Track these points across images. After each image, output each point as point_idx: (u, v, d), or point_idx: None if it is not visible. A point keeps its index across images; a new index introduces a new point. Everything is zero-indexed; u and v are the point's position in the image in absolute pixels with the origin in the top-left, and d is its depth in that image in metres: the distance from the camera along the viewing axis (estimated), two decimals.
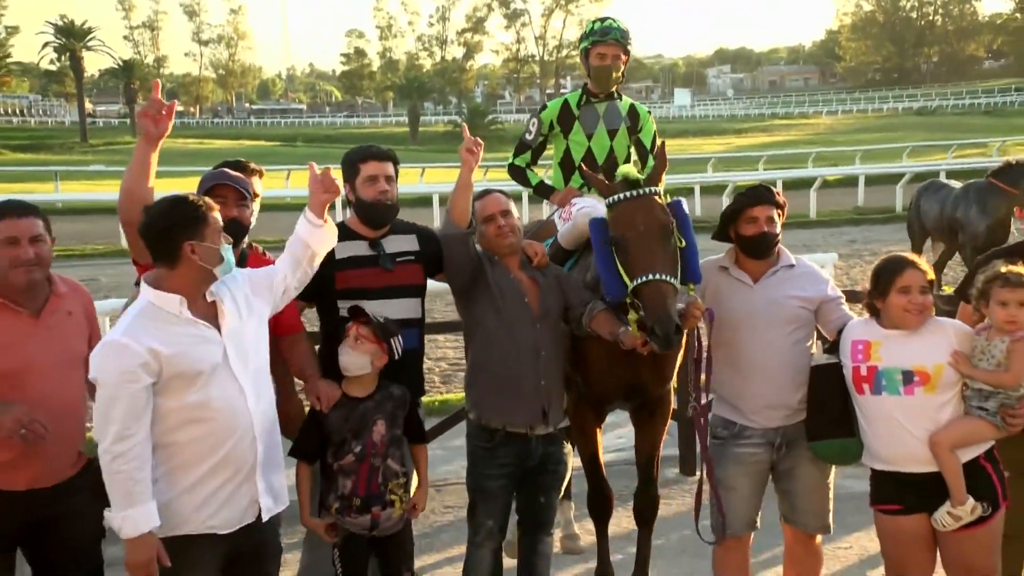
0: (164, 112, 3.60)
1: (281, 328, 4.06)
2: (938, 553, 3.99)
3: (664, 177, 4.34)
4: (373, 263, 4.30)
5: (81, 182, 31.38)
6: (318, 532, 4.02)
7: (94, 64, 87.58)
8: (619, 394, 4.70)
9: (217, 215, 3.45)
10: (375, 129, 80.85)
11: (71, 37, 74.41)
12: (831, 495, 4.34)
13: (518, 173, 5.52)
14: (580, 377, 4.67)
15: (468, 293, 4.37)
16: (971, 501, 3.75)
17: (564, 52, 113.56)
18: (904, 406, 3.82)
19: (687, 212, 4.30)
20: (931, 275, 3.90)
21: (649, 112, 5.44)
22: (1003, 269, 3.85)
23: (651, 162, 5.16)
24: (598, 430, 4.80)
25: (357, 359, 3.96)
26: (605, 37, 5.18)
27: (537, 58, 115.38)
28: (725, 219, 4.30)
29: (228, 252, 3.48)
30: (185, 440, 3.35)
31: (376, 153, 4.38)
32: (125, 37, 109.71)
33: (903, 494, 3.89)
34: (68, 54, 75.54)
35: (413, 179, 29.39)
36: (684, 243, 4.17)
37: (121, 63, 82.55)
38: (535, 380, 4.30)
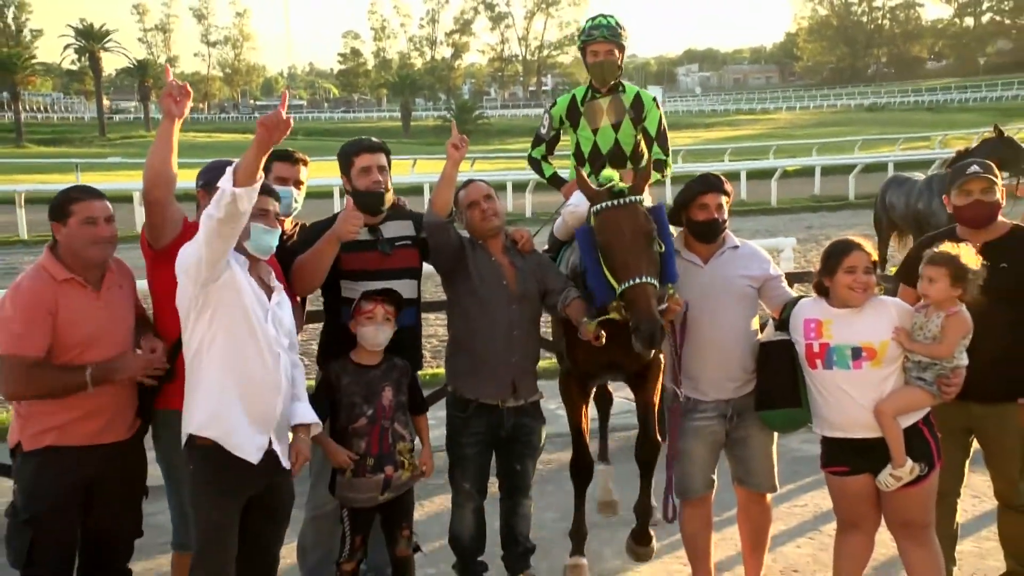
0: (182, 91, 3.56)
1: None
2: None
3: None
4: (372, 247, 4.28)
5: (100, 173, 31.21)
6: (331, 452, 3.98)
7: (111, 64, 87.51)
8: (603, 371, 4.69)
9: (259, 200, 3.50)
10: (370, 124, 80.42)
11: (90, 39, 74.18)
12: (775, 459, 4.41)
13: (534, 164, 5.50)
14: (568, 355, 4.67)
15: (450, 275, 4.39)
16: (910, 463, 3.82)
17: (545, 52, 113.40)
18: (852, 379, 3.87)
19: (666, 218, 4.27)
20: (875, 257, 3.92)
21: (655, 99, 5.27)
22: (940, 250, 3.89)
23: (656, 149, 5.13)
24: (584, 403, 4.77)
25: (381, 334, 4.03)
26: (594, 35, 5.11)
27: (520, 57, 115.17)
28: (678, 205, 4.32)
29: (258, 232, 3.59)
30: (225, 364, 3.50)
31: (368, 146, 4.36)
32: (139, 39, 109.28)
33: (850, 457, 3.95)
34: (87, 55, 75.36)
35: (405, 170, 29.30)
36: (663, 248, 4.15)
37: (136, 63, 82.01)
38: (507, 357, 4.33)
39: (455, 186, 4.28)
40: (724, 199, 4.27)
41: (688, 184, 4.36)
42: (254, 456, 3.53)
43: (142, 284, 3.96)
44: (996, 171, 4.18)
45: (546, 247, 5.01)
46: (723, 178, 4.37)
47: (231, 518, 3.55)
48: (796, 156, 33.96)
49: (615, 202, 4.12)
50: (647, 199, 4.28)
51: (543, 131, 5.42)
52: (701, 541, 4.44)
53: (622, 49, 5.17)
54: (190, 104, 3.60)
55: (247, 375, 3.52)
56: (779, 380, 4.07)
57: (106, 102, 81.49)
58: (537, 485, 4.73)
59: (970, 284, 3.78)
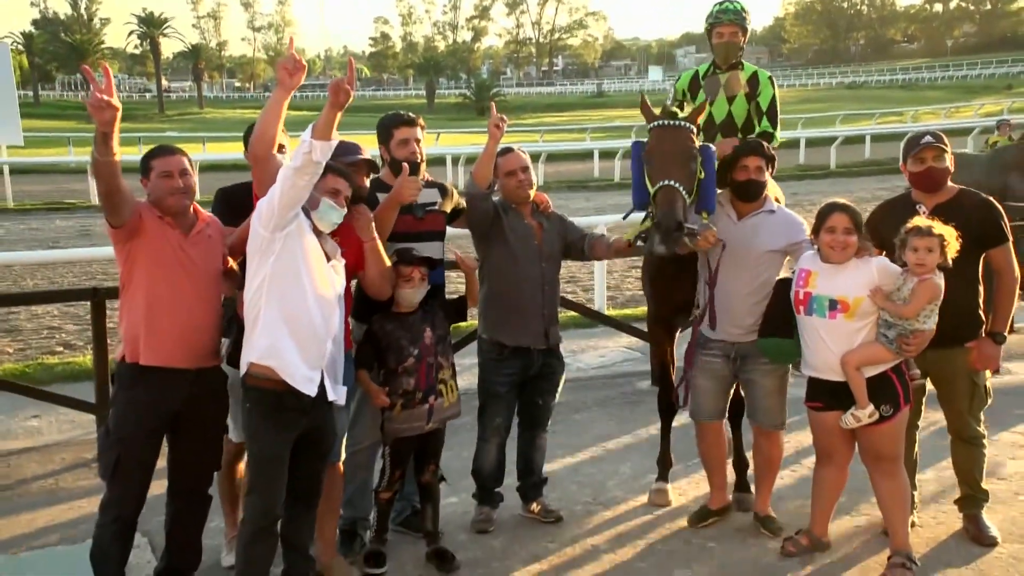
0: (296, 65, 3.48)
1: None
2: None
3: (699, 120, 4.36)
4: (407, 211, 4.23)
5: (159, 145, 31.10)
6: (374, 393, 4.04)
7: (169, 48, 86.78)
8: (675, 313, 4.76)
9: (334, 179, 3.64)
10: (398, 100, 79.97)
11: (151, 26, 74.38)
12: (784, 400, 4.43)
13: None
14: (647, 298, 4.84)
15: (487, 237, 4.43)
16: (871, 408, 3.89)
17: (556, 35, 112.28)
18: (828, 327, 3.92)
19: (713, 155, 4.28)
20: (857, 218, 3.92)
21: (770, 77, 5.20)
22: (917, 221, 3.88)
23: (765, 122, 5.08)
24: (669, 342, 4.87)
25: (418, 295, 4.10)
26: (722, 18, 5.06)
27: (533, 40, 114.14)
28: (722, 166, 4.33)
29: (326, 206, 3.62)
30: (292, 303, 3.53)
31: (406, 119, 4.33)
32: (193, 25, 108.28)
33: (825, 396, 4.02)
34: (148, 40, 75.33)
35: (429, 142, 29.04)
36: (704, 175, 4.19)
37: (190, 47, 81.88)
38: (539, 307, 4.43)
39: (494, 160, 4.28)
40: (763, 162, 4.28)
41: (734, 148, 4.41)
42: (307, 387, 3.55)
43: None
44: (946, 140, 4.18)
45: None
46: (764, 144, 4.38)
47: (283, 451, 3.58)
48: (784, 129, 33.44)
49: (666, 122, 4.19)
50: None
51: (668, 102, 5.22)
52: (716, 454, 4.57)
53: (745, 31, 5.13)
54: (303, 76, 3.52)
55: (301, 316, 3.53)
56: (777, 312, 4.14)
57: (164, 82, 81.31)
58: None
59: (946, 253, 3.80)
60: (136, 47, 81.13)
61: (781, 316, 4.12)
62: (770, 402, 4.39)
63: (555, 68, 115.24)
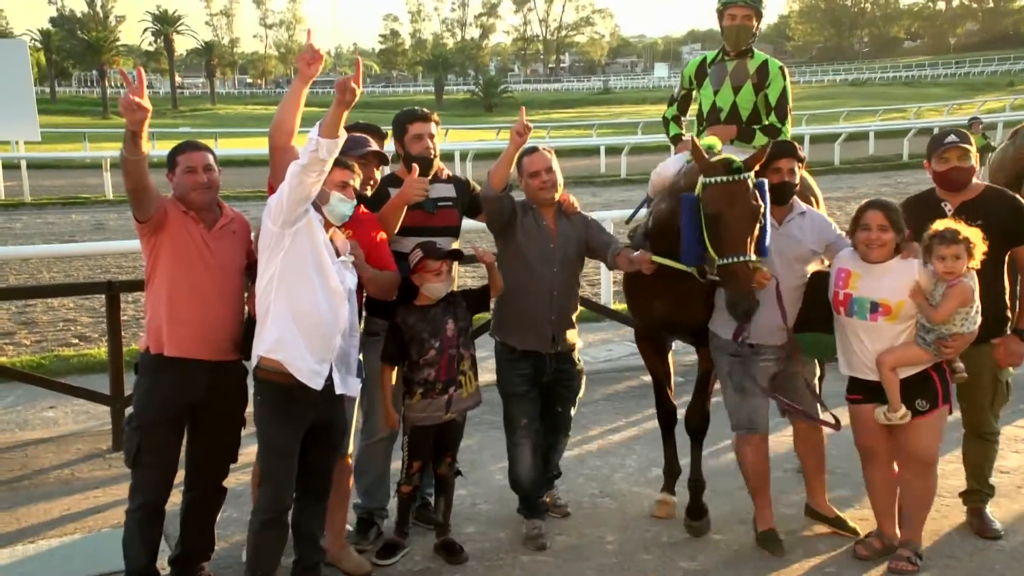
0: (315, 56, 3.47)
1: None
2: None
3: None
4: (419, 206, 4.21)
5: (172, 140, 30.92)
6: (390, 416, 4.08)
7: (182, 45, 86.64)
8: (660, 327, 4.52)
9: (341, 172, 3.63)
10: (407, 97, 79.84)
11: (165, 23, 74.54)
12: (820, 393, 4.32)
13: (665, 123, 5.08)
14: (631, 312, 4.62)
15: (503, 236, 4.30)
16: (903, 410, 3.79)
17: (563, 33, 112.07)
18: (868, 329, 3.83)
19: (767, 194, 3.91)
20: (893, 216, 3.79)
21: (781, 68, 4.77)
22: (941, 227, 3.76)
23: (772, 117, 4.73)
24: (659, 357, 4.62)
25: (446, 288, 4.10)
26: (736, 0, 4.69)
27: (541, 38, 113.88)
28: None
29: (335, 200, 3.63)
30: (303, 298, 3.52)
31: (420, 115, 4.32)
32: (206, 23, 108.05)
33: (862, 390, 3.95)
34: (162, 37, 75.40)
35: (439, 138, 29.06)
36: (763, 222, 3.85)
37: (203, 44, 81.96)
38: (547, 315, 4.24)
39: (512, 165, 4.14)
40: (796, 164, 4.09)
41: (770, 149, 4.09)
42: (313, 381, 3.54)
43: None
44: (971, 140, 4.12)
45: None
46: (796, 144, 4.19)
47: (292, 444, 3.58)
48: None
49: (730, 178, 3.73)
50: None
51: (675, 91, 5.10)
52: (763, 471, 4.24)
53: (759, 16, 4.74)
54: (322, 66, 3.51)
55: (310, 310, 3.52)
56: (814, 306, 4.00)
57: (178, 79, 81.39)
58: None
59: (975, 255, 3.73)
60: (150, 44, 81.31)
61: (819, 310, 3.98)
62: (811, 393, 4.23)
63: (562, 65, 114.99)
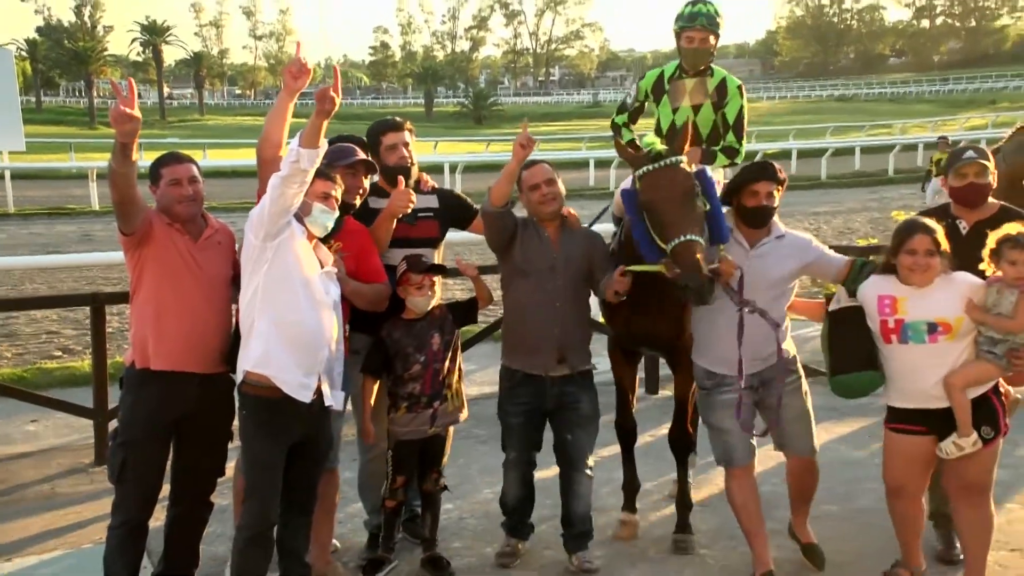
0: (301, 69, 3.44)
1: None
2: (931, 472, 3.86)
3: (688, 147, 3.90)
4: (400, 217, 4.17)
5: (159, 151, 30.82)
6: (368, 433, 4.05)
7: (171, 56, 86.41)
8: (636, 340, 4.49)
9: (323, 183, 3.59)
10: (396, 109, 79.66)
11: (153, 34, 74.44)
12: (812, 422, 4.14)
13: (615, 128, 4.97)
14: (607, 323, 4.54)
15: (505, 253, 4.18)
16: (975, 435, 3.61)
17: (553, 46, 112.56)
18: (929, 352, 3.63)
19: (712, 178, 3.92)
20: (938, 239, 3.66)
21: (739, 87, 4.74)
22: (1014, 231, 3.67)
23: (731, 137, 4.69)
24: (629, 368, 4.58)
25: (429, 302, 4.04)
26: (693, 22, 4.61)
27: (531, 51, 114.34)
28: (729, 189, 4.00)
29: (317, 211, 3.59)
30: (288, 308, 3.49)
31: (393, 125, 4.30)
32: (195, 33, 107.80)
33: (918, 419, 3.72)
34: (151, 48, 75.34)
35: (428, 150, 29.19)
36: (709, 206, 3.81)
37: (192, 55, 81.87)
38: (550, 329, 4.07)
39: (514, 180, 4.02)
40: (775, 188, 3.93)
41: (741, 170, 4.03)
42: (301, 394, 3.51)
43: None
44: (989, 156, 4.03)
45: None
46: (777, 167, 4.02)
47: (278, 459, 3.54)
48: (775, 140, 33.67)
49: (655, 164, 3.77)
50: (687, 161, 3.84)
51: (628, 100, 5.00)
52: (752, 508, 4.06)
53: (717, 37, 4.69)
54: (310, 79, 3.48)
55: (295, 323, 3.49)
56: (855, 346, 3.79)
57: (166, 89, 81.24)
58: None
59: None
60: (139, 54, 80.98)
61: (861, 348, 3.78)
62: (800, 426, 4.08)
63: (552, 78, 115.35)
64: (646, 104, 4.94)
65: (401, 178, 4.10)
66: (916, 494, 3.86)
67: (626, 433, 4.59)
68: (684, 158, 3.81)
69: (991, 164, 4.00)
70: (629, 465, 4.62)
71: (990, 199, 4.03)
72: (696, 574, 4.15)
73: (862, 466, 5.38)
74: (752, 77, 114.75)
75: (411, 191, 4.11)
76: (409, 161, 4.24)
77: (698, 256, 3.61)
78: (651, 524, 4.68)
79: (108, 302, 6.00)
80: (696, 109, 4.71)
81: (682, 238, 3.63)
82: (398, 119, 4.36)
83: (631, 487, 4.62)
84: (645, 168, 3.80)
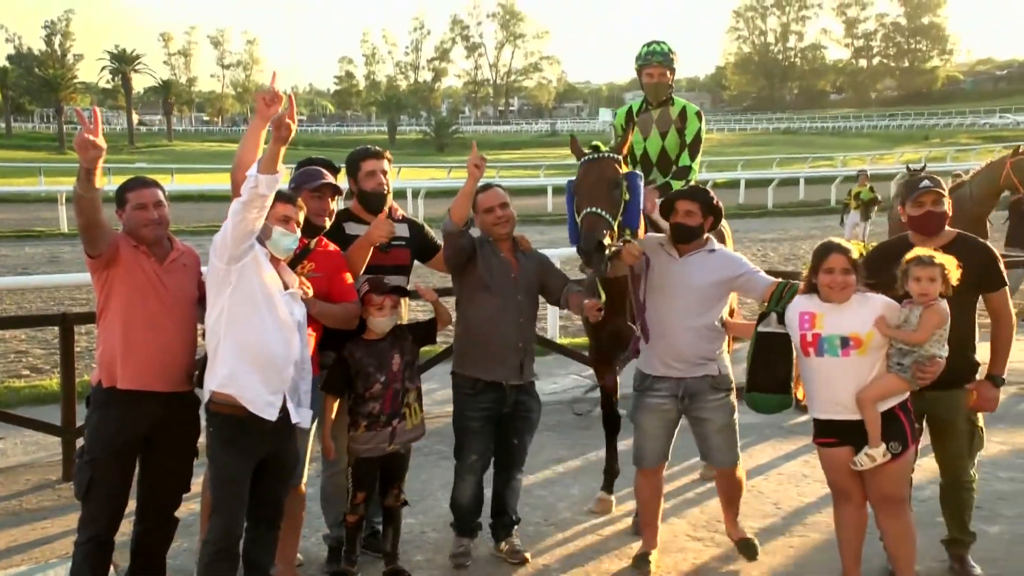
0: (274, 97, 3.44)
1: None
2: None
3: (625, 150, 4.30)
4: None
5: (128, 176, 30.50)
6: (328, 449, 4.04)
7: (140, 83, 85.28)
8: (610, 345, 4.74)
9: (283, 207, 3.60)
10: (361, 136, 79.42)
11: (123, 62, 73.55)
12: (736, 435, 4.27)
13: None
14: (586, 331, 4.94)
15: (464, 272, 4.25)
16: (883, 447, 3.70)
17: (512, 77, 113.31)
18: (841, 366, 3.73)
19: (639, 183, 4.19)
20: (855, 257, 3.78)
21: (697, 112, 5.23)
22: (918, 251, 3.79)
23: (684, 156, 5.14)
24: (607, 371, 4.93)
25: (390, 322, 4.05)
26: (650, 60, 5.10)
27: (491, 82, 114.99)
28: (662, 209, 4.30)
29: (278, 234, 3.58)
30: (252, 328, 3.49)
31: (373, 153, 4.35)
32: (164, 62, 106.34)
33: (836, 432, 3.82)
34: (120, 76, 74.41)
35: (392, 176, 28.99)
36: (629, 197, 4.07)
37: (161, 83, 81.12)
38: (515, 341, 4.25)
39: (471, 199, 4.15)
40: (696, 207, 4.11)
41: (675, 191, 4.39)
42: (267, 412, 3.50)
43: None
44: (943, 185, 4.09)
45: None
46: (706, 191, 4.26)
47: (244, 475, 3.52)
48: (724, 170, 34.19)
49: (592, 156, 4.11)
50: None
51: (613, 142, 5.16)
52: (652, 507, 4.32)
53: (673, 71, 5.17)
54: (281, 109, 3.47)
55: (260, 344, 3.48)
56: (778, 370, 3.95)
57: (135, 116, 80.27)
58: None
59: (948, 282, 3.71)
60: (108, 82, 79.86)
61: (782, 373, 3.94)
62: (723, 439, 4.22)
63: (511, 108, 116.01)
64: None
65: (386, 210, 4.16)
66: (860, 501, 3.90)
67: (611, 423, 5.09)
68: (619, 157, 4.15)
69: (946, 192, 4.07)
70: (612, 451, 5.11)
71: (947, 227, 4.08)
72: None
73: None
74: (703, 110, 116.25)
75: (392, 222, 4.13)
76: (386, 188, 4.29)
77: (596, 226, 3.89)
78: (606, 538, 4.72)
79: (76, 322, 5.92)
80: (663, 136, 5.17)
81: (591, 210, 3.94)
82: (378, 148, 4.43)
83: (611, 471, 5.11)
84: (584, 159, 4.15)
